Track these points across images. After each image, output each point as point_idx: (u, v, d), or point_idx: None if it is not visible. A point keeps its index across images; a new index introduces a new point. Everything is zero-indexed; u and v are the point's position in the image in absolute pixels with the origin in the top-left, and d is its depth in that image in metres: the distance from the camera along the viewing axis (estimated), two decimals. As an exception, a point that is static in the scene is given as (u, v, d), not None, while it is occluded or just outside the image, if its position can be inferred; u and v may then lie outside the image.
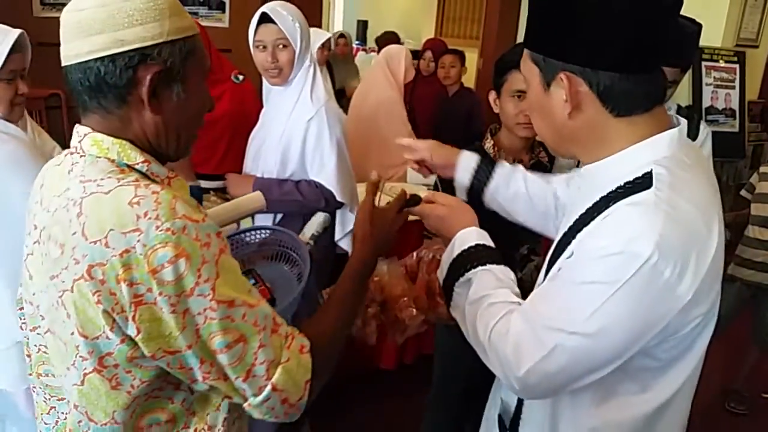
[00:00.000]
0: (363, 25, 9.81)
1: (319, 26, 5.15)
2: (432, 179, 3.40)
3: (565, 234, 0.99)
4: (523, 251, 1.96)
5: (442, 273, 1.17)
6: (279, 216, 2.15)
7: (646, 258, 0.84)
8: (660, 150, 0.93)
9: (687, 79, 4.66)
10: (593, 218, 0.93)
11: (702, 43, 4.64)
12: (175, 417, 0.96)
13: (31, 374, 1.08)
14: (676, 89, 2.06)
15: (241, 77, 2.72)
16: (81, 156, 0.92)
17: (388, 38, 5.45)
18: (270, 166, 2.11)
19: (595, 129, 0.95)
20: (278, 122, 2.09)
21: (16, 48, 1.61)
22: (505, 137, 1.99)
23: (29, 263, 0.97)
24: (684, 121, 2.09)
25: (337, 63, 5.45)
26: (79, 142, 0.93)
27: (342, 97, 4.90)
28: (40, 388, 1.05)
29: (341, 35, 5.94)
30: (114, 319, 0.84)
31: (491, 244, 1.15)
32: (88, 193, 0.87)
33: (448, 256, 1.16)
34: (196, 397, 0.97)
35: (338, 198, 2.08)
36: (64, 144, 1.20)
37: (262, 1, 2.12)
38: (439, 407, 2.22)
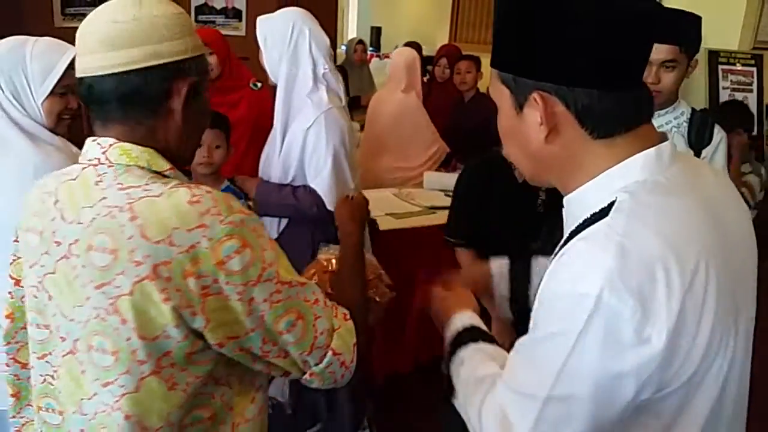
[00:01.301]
0: (376, 32, 9.84)
1: (334, 33, 5.19)
2: (448, 185, 3.42)
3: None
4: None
5: (444, 361, 1.11)
6: (284, 222, 2.19)
7: (595, 297, 0.74)
8: (632, 174, 0.83)
9: (703, 83, 4.64)
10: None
11: (718, 46, 4.64)
12: (215, 413, 0.99)
13: (27, 405, 1.11)
14: (681, 81, 1.98)
15: (259, 84, 2.75)
16: (109, 166, 0.94)
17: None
18: (275, 172, 2.17)
19: (573, 153, 0.85)
20: (278, 127, 2.15)
21: (72, 64, 1.66)
22: None
23: (48, 284, 0.96)
24: (670, 139, 2.05)
25: (353, 70, 5.48)
26: (103, 152, 0.95)
27: (358, 106, 4.91)
28: (39, 423, 1.05)
29: (359, 42, 5.96)
30: (180, 314, 0.88)
31: (485, 328, 1.11)
32: (137, 198, 0.89)
33: (447, 339, 1.13)
34: (235, 392, 1.01)
35: (328, 206, 2.09)
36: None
37: (278, 9, 2.17)
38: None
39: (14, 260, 1.09)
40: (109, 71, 0.93)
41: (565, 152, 0.86)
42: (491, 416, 0.89)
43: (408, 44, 5.72)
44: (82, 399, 0.96)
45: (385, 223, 2.84)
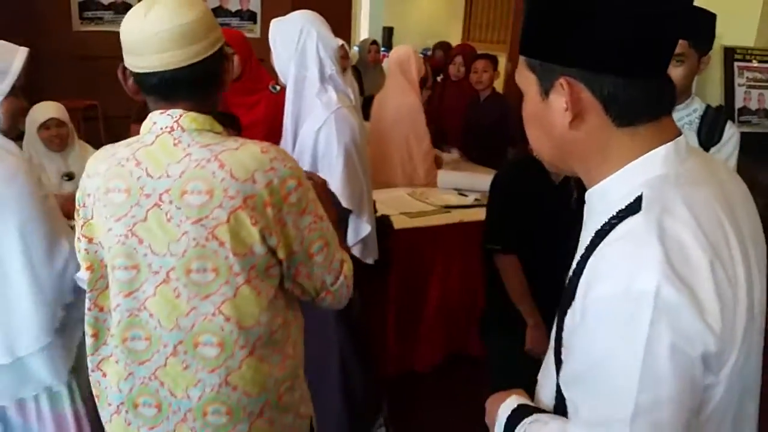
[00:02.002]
0: (388, 32, 9.86)
1: (348, 34, 5.20)
2: (462, 184, 3.42)
3: (570, 279, 0.89)
4: None
5: None
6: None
7: (654, 293, 0.74)
8: (654, 168, 0.84)
9: (719, 80, 4.61)
10: (587, 261, 0.83)
11: (734, 42, 4.61)
12: (285, 319, 1.30)
13: (103, 344, 1.32)
14: (692, 77, 1.97)
15: (278, 87, 2.78)
16: (182, 131, 1.19)
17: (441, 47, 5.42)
18: None
19: (597, 140, 0.86)
20: (288, 129, 2.17)
21: (24, 64, 1.67)
22: None
23: (139, 230, 1.19)
24: (684, 133, 2.04)
25: (367, 70, 5.49)
26: (175, 121, 1.19)
27: (371, 105, 4.93)
28: (122, 354, 1.27)
29: (373, 42, 5.99)
30: (263, 234, 1.18)
31: (532, 403, 1.05)
32: (219, 151, 1.16)
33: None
34: (289, 302, 1.32)
35: (344, 204, 2.10)
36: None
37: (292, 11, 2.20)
38: None
39: (84, 223, 1.27)
40: (185, 63, 1.17)
41: (589, 139, 0.87)
42: None
43: (438, 45, 5.67)
44: (178, 317, 1.21)
45: (399, 222, 2.84)
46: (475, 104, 4.18)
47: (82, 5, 3.90)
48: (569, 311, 0.86)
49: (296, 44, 2.09)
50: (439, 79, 4.84)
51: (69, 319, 1.73)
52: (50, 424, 1.79)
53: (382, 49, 8.55)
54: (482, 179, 3.48)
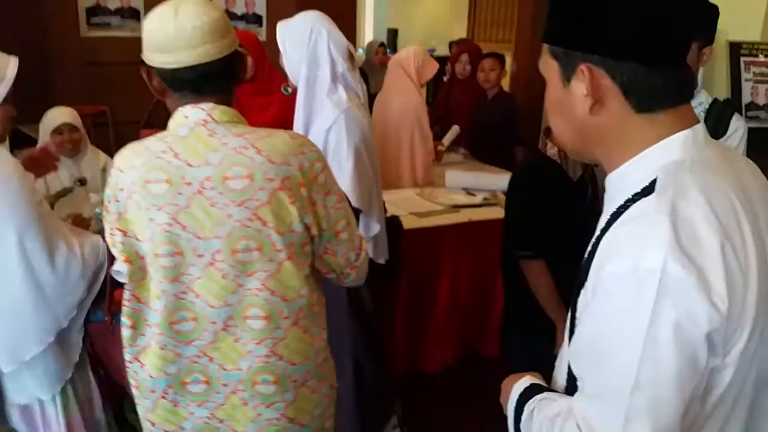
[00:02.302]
0: (393, 34, 9.86)
1: (353, 37, 5.21)
2: (470, 183, 3.43)
3: (584, 261, 0.92)
4: None
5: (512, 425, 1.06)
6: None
7: (660, 270, 0.76)
8: (671, 153, 0.87)
9: (725, 75, 4.59)
10: (600, 242, 0.86)
11: (740, 37, 4.59)
12: (318, 294, 1.42)
13: (141, 335, 1.37)
14: (695, 70, 1.97)
15: (290, 89, 2.80)
16: (216, 123, 1.28)
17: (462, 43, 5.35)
18: None
19: (617, 126, 0.89)
20: (301, 125, 2.18)
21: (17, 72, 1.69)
22: None
23: (182, 218, 1.26)
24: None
25: (374, 72, 5.52)
26: (208, 114, 1.28)
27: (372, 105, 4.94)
28: (168, 338, 1.34)
29: (381, 44, 6.03)
30: (300, 213, 1.29)
31: (546, 384, 1.07)
32: (254, 139, 1.27)
33: (509, 409, 1.08)
34: (321, 281, 1.46)
35: (353, 203, 2.10)
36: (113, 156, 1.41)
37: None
38: None
39: (118, 217, 1.31)
40: (216, 57, 1.26)
41: (609, 124, 0.89)
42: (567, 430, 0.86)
43: (460, 41, 5.54)
44: (225, 295, 1.30)
45: (408, 222, 2.86)
46: (482, 103, 4.18)
47: (89, 11, 3.93)
48: (582, 291, 0.89)
49: (307, 44, 2.11)
50: (445, 78, 4.84)
51: (71, 331, 1.75)
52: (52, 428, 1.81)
53: (387, 50, 8.60)
54: (490, 178, 3.49)
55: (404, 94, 3.40)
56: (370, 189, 2.19)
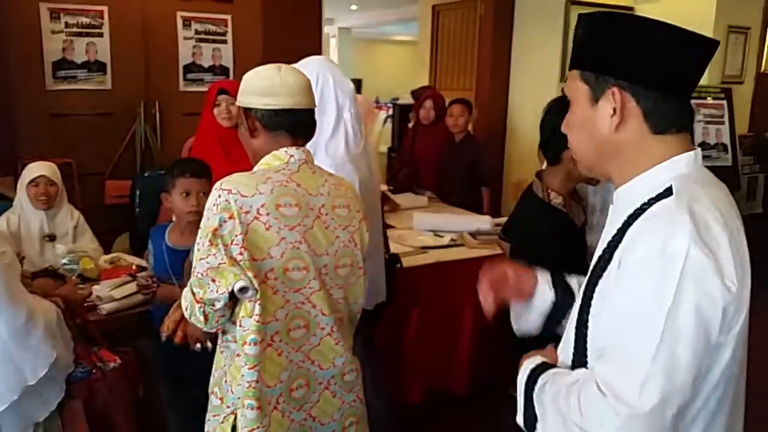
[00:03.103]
0: (357, 84, 10.07)
1: (318, 86, 5.28)
2: (439, 225, 3.48)
3: (600, 257, 1.05)
4: None
5: (519, 406, 1.13)
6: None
7: (685, 252, 0.90)
8: (680, 168, 1.03)
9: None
10: (623, 237, 1.00)
11: (689, 82, 4.82)
12: None
13: (264, 340, 1.48)
14: None
15: None
16: (313, 163, 1.62)
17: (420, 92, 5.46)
18: None
19: (634, 144, 1.04)
20: None
21: None
22: (554, 178, 2.02)
23: (308, 237, 1.52)
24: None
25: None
26: (306, 156, 1.59)
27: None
28: (285, 344, 1.53)
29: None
30: (366, 236, 1.67)
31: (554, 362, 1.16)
32: (340, 178, 1.67)
33: (519, 382, 1.15)
34: None
35: None
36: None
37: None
38: None
39: (243, 237, 1.43)
40: (309, 107, 1.60)
41: (628, 141, 1.05)
42: (593, 400, 0.96)
43: (422, 89, 5.64)
44: (331, 303, 1.57)
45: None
46: (450, 146, 4.29)
47: (55, 64, 3.96)
48: (604, 275, 1.02)
49: (318, 93, 1.99)
50: (410, 125, 4.95)
51: (51, 383, 1.74)
52: None
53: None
54: (457, 220, 3.56)
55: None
56: None
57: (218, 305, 1.42)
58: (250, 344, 1.46)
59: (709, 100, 4.98)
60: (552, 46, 5.12)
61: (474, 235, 3.45)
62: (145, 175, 3.75)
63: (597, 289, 1.03)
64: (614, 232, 1.04)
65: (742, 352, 1.02)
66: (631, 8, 5.16)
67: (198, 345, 1.83)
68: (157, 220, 3.04)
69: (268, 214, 1.45)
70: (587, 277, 1.09)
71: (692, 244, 0.91)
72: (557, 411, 1.02)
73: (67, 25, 3.97)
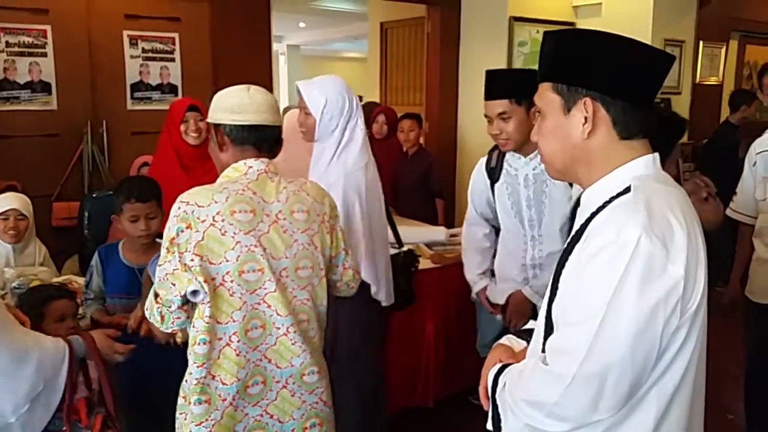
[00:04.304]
0: (308, 101, 10.07)
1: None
2: (426, 236, 3.51)
3: (564, 251, 1.14)
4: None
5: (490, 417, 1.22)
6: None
7: (636, 240, 0.99)
8: (639, 169, 1.13)
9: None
10: (584, 232, 1.09)
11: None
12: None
13: (213, 350, 1.58)
14: (527, 128, 2.19)
15: None
16: (273, 173, 1.70)
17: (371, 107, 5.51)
18: None
19: (603, 149, 1.14)
20: (315, 178, 2.32)
21: None
22: None
23: (263, 241, 1.61)
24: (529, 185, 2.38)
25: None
26: (266, 167, 1.69)
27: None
28: (243, 345, 1.60)
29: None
30: (328, 240, 1.76)
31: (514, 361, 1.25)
32: (300, 185, 1.75)
33: (489, 389, 1.24)
34: None
35: None
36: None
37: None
38: None
39: (196, 245, 1.55)
40: (275, 125, 1.73)
41: (598, 147, 1.14)
42: (538, 372, 1.08)
43: (371, 104, 5.70)
44: (287, 304, 1.63)
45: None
46: (403, 159, 4.36)
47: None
48: (566, 265, 1.10)
49: (343, 107, 2.29)
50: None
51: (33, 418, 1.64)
52: None
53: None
54: (413, 231, 3.59)
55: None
56: (356, 244, 2.30)
57: (173, 307, 1.54)
58: (199, 344, 1.57)
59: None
60: (498, 61, 5.24)
61: (430, 246, 3.49)
62: (94, 195, 3.67)
63: (561, 279, 1.12)
64: (577, 228, 1.13)
65: (700, 344, 1.10)
66: (572, 23, 5.34)
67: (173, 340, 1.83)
68: (106, 240, 2.98)
69: (223, 221, 1.56)
70: (554, 271, 1.16)
71: (644, 233, 1.00)
72: (512, 398, 1.13)
73: (8, 44, 3.87)
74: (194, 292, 1.53)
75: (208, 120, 1.75)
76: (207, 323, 1.56)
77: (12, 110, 3.90)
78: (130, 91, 4.31)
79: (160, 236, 2.19)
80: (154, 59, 4.37)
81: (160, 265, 1.57)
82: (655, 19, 5.02)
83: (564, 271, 1.11)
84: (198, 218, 1.56)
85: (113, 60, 4.23)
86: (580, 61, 1.13)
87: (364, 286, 2.34)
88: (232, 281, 1.57)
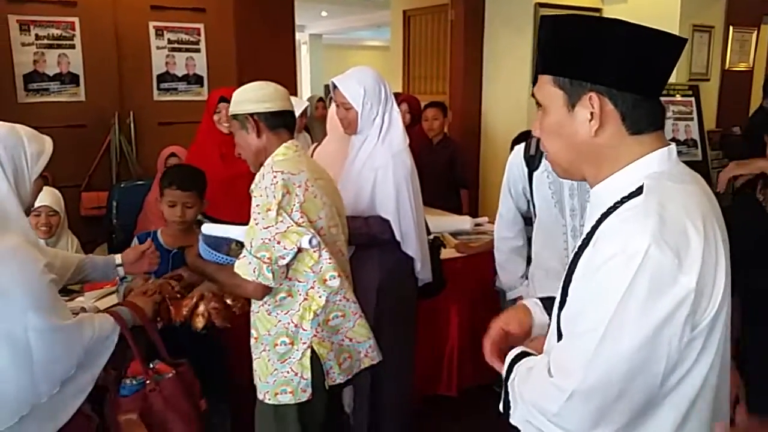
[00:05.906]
0: (329, 89, 10.08)
1: (294, 91, 5.31)
2: (450, 226, 3.51)
3: (575, 255, 1.07)
4: None
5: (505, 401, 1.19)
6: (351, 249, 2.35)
7: (644, 251, 0.91)
8: (652, 165, 1.03)
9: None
10: (593, 235, 1.02)
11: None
12: None
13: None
14: None
15: None
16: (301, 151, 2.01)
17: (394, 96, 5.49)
18: (347, 203, 2.28)
19: (612, 146, 1.05)
20: (355, 168, 2.44)
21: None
22: None
23: (335, 200, 2.04)
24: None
25: (315, 125, 5.62)
26: (296, 146, 1.98)
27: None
28: (324, 291, 1.92)
29: (320, 99, 6.17)
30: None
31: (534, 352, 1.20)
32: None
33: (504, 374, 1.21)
34: None
35: (395, 233, 2.40)
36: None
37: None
38: None
39: (300, 206, 1.83)
40: (293, 110, 2.03)
41: (606, 143, 1.05)
42: (542, 380, 1.03)
43: (396, 94, 5.71)
44: (347, 252, 2.09)
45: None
46: (428, 148, 4.33)
47: (26, 77, 3.91)
48: (576, 271, 1.04)
49: (381, 98, 2.39)
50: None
51: (59, 402, 1.65)
52: None
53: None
54: (438, 221, 3.59)
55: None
56: (409, 221, 2.40)
57: (282, 262, 1.79)
58: (330, 279, 1.90)
59: (678, 97, 5.08)
60: (523, 48, 5.19)
61: (455, 235, 3.48)
62: (122, 185, 3.73)
63: (571, 285, 1.06)
64: (588, 230, 1.05)
65: (722, 348, 1.03)
66: (599, 9, 5.26)
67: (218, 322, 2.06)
68: (135, 229, 3.02)
69: (312, 186, 1.88)
70: (564, 274, 1.09)
71: (653, 242, 0.92)
72: (520, 394, 1.10)
73: (37, 37, 3.93)
74: (311, 241, 1.80)
75: (237, 112, 1.93)
76: (329, 263, 1.88)
77: (42, 102, 3.97)
78: (156, 82, 4.36)
79: (198, 224, 2.27)
80: (179, 50, 4.41)
81: (266, 227, 1.77)
82: (684, 5, 4.92)
83: (573, 278, 1.04)
84: (294, 184, 1.83)
85: (139, 51, 4.28)
86: (583, 51, 1.03)
87: (408, 262, 2.46)
88: (324, 234, 1.90)
